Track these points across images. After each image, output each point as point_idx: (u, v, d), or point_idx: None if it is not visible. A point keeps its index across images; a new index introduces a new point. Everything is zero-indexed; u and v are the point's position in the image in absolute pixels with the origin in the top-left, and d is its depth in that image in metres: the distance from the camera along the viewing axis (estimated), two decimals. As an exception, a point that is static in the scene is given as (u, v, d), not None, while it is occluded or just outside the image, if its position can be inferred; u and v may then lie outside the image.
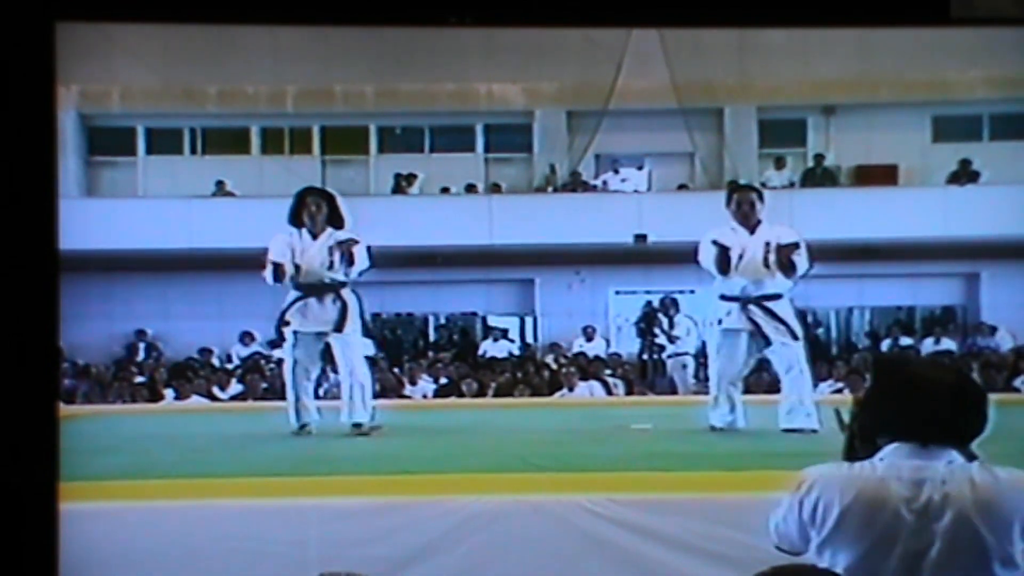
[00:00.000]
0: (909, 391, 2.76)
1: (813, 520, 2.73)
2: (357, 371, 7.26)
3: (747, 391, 7.77)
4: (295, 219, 7.28)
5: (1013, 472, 2.72)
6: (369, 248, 7.28)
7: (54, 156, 3.14)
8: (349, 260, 7.17)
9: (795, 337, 7.16)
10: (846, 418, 2.91)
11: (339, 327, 7.19)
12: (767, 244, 7.17)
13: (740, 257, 7.17)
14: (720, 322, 7.26)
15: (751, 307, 7.16)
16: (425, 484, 5.36)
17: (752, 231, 7.23)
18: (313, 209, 7.23)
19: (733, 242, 7.20)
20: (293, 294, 7.26)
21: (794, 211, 11.50)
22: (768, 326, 7.15)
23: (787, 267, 7.13)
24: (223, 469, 5.90)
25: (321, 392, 10.43)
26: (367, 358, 7.51)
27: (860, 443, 2.82)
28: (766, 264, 7.15)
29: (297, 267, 7.18)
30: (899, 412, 2.75)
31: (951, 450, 2.72)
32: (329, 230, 7.22)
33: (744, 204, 7.29)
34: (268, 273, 7.23)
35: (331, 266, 7.18)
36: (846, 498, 2.69)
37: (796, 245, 7.15)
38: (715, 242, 7.20)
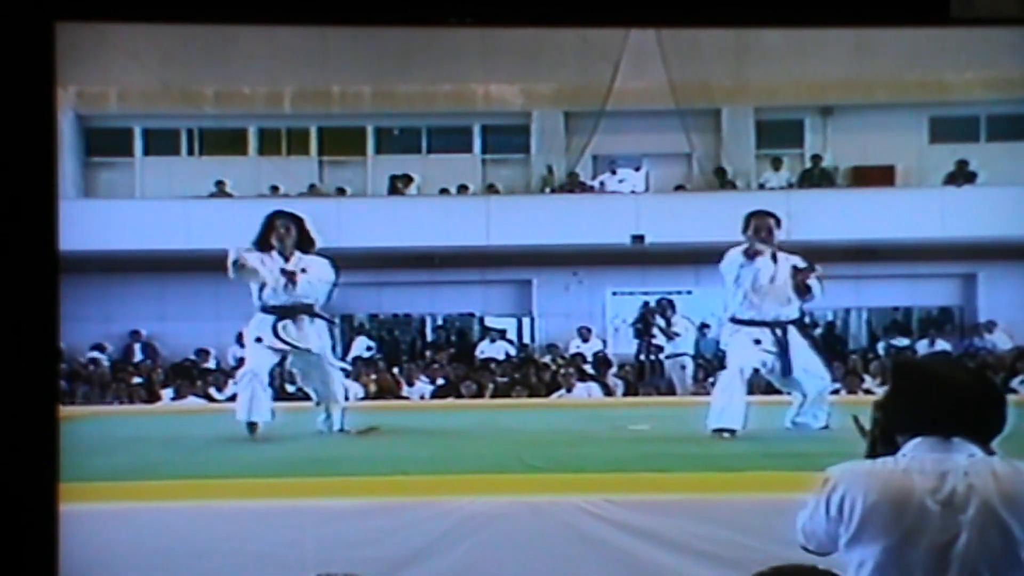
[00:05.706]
0: (929, 387, 2.78)
1: (840, 518, 2.72)
2: (337, 384, 7.49)
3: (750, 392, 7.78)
4: (262, 242, 7.29)
5: None
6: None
7: (54, 157, 3.14)
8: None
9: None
10: (865, 423, 2.90)
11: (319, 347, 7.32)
12: (792, 268, 7.19)
13: (771, 281, 7.15)
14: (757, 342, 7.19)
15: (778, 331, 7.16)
16: (422, 485, 5.37)
17: (774, 257, 7.20)
18: (282, 232, 7.25)
19: (762, 266, 7.16)
20: (262, 315, 7.28)
21: (791, 212, 11.45)
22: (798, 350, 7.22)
23: (804, 291, 7.20)
24: (220, 470, 5.91)
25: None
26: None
27: (882, 445, 2.82)
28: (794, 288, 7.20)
29: (262, 287, 7.22)
30: (920, 408, 2.76)
31: (972, 445, 2.72)
32: (298, 254, 7.25)
33: (763, 230, 7.19)
34: (230, 262, 7.17)
35: (294, 287, 7.20)
36: (871, 493, 2.68)
37: (812, 268, 7.17)
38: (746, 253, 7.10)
